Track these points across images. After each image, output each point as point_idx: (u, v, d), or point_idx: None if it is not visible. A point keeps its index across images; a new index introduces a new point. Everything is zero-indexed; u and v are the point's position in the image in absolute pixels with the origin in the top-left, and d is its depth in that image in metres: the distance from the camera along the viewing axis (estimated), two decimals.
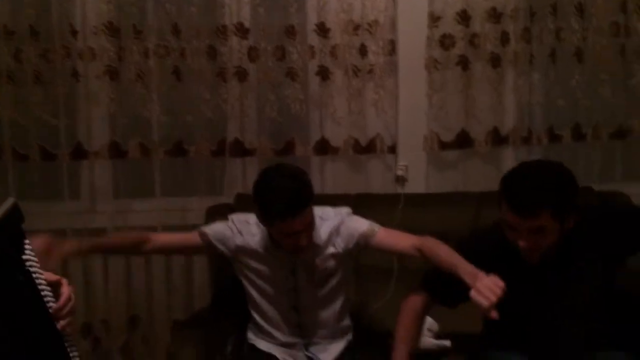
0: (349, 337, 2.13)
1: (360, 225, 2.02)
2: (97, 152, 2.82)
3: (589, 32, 2.67)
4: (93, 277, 2.88)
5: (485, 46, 2.72)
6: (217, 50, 2.72)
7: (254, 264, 2.05)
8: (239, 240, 2.05)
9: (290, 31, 2.72)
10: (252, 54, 2.73)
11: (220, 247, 2.06)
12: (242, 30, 2.70)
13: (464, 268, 1.68)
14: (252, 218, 2.04)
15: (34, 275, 1.17)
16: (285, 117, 2.81)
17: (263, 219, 1.92)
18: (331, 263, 2.04)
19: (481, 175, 2.75)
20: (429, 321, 2.24)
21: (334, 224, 2.03)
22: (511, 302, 1.60)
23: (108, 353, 2.87)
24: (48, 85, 2.76)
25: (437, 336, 2.21)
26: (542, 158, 2.51)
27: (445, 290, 1.83)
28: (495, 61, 2.72)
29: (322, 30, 2.71)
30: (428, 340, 2.18)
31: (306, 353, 2.05)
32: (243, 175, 2.80)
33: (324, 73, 2.76)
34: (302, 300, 2.05)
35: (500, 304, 1.58)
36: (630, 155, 2.79)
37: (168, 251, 2.35)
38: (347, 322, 2.15)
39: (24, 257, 1.16)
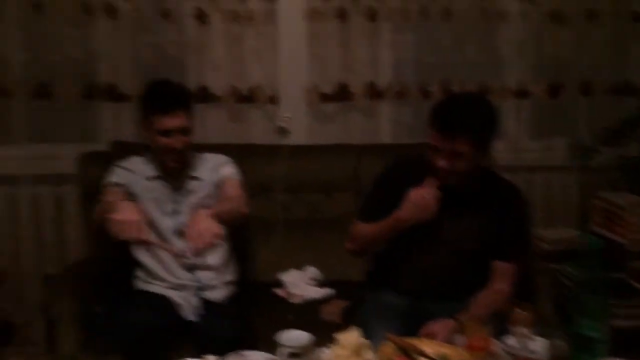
0: (234, 285, 2.18)
1: (232, 169, 2.21)
2: None
3: None
4: None
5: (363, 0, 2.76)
6: None
7: (143, 200, 2.07)
8: (131, 177, 2.11)
9: None
10: None
11: (129, 186, 2.09)
12: None
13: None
14: (136, 158, 2.17)
15: None
16: (162, 61, 2.69)
17: (144, 116, 2.06)
18: (210, 202, 2.12)
19: (361, 128, 2.85)
20: (312, 270, 2.36)
21: (216, 160, 2.21)
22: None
23: None
24: None
25: (321, 285, 2.33)
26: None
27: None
28: (372, 15, 2.78)
29: None
30: (312, 289, 2.29)
31: (199, 295, 2.06)
32: (117, 122, 2.65)
33: (201, 16, 2.65)
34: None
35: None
36: None
37: None
38: (232, 269, 2.20)
39: None
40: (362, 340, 1.56)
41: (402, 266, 1.89)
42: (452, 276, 1.92)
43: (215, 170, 2.17)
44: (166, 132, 2.02)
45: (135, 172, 2.12)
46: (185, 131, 2.05)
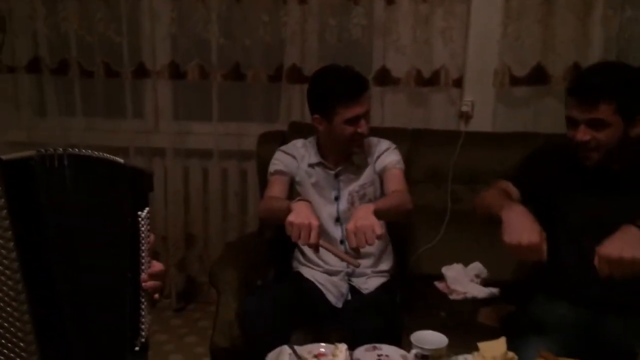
0: (389, 275, 2.09)
1: (395, 156, 2.09)
2: (159, 72, 2.83)
3: None
4: (154, 195, 2.96)
5: None
6: None
7: (304, 186, 2.09)
8: (291, 161, 2.12)
9: None
10: None
11: (290, 171, 2.11)
12: None
13: None
14: (297, 142, 2.17)
15: (141, 235, 1.16)
16: (346, 44, 2.69)
17: (326, 108, 1.96)
18: (369, 189, 2.06)
19: (555, 116, 2.51)
20: (478, 267, 2.16)
21: (379, 147, 2.11)
22: (567, 216, 1.60)
23: (165, 267, 2.97)
24: (112, 1, 2.77)
25: (486, 283, 2.12)
26: None
27: (525, 181, 1.80)
28: None
29: None
30: (477, 287, 2.10)
31: (348, 282, 2.04)
32: (300, 103, 2.71)
33: None
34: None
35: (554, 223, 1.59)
36: None
37: None
38: (389, 258, 2.11)
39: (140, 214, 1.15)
40: (509, 353, 1.37)
41: (572, 270, 1.61)
42: (633, 281, 1.58)
43: (379, 157, 2.09)
44: (353, 120, 1.95)
45: (297, 158, 2.11)
46: (368, 115, 1.99)
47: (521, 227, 1.46)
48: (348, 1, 2.63)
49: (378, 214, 1.72)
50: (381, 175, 2.07)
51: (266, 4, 2.68)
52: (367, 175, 2.08)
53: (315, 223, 1.70)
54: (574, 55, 2.49)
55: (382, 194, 2.07)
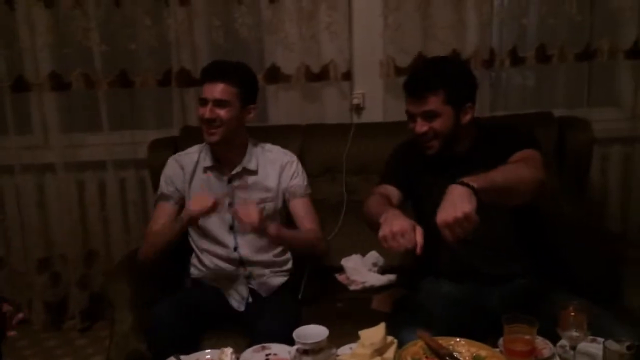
0: (289, 274, 2.11)
1: (301, 180, 2.11)
2: (41, 84, 2.70)
3: None
4: (49, 212, 2.85)
5: None
6: None
7: (196, 191, 2.05)
8: (179, 175, 2.08)
9: None
10: None
11: (176, 190, 2.07)
12: None
13: None
14: (193, 148, 2.13)
15: None
16: (235, 44, 2.67)
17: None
18: (270, 204, 2.04)
19: None
20: (375, 256, 2.20)
21: (281, 160, 2.09)
22: (427, 202, 1.68)
23: (67, 286, 2.88)
24: None
25: (383, 271, 2.17)
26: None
27: (397, 179, 1.91)
28: None
29: None
30: (375, 276, 2.14)
31: (248, 285, 2.04)
32: (193, 107, 2.68)
33: None
34: (242, 246, 2.05)
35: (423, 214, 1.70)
36: (597, 79, 2.64)
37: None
38: (288, 257, 2.12)
39: None
40: (389, 338, 1.41)
41: (441, 249, 1.71)
42: (492, 249, 1.72)
43: (281, 173, 2.07)
44: (202, 101, 1.95)
45: (185, 167, 2.07)
46: (220, 104, 1.93)
47: (393, 220, 1.52)
48: (232, 0, 2.62)
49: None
50: (286, 197, 2.08)
51: (147, 7, 2.62)
52: (268, 189, 2.06)
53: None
54: (453, 42, 2.59)
55: (286, 214, 2.10)
